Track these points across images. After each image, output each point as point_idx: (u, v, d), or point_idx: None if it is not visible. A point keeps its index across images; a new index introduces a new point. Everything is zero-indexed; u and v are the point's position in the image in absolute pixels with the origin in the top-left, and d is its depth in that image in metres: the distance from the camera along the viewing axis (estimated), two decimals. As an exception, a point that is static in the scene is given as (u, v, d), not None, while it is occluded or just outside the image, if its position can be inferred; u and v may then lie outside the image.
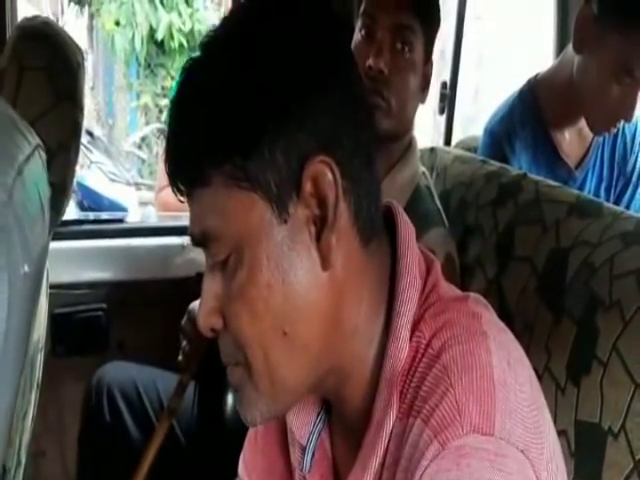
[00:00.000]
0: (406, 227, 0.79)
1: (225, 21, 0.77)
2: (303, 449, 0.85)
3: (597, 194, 1.76)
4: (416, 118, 1.49)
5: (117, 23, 6.49)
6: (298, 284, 0.71)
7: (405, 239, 0.78)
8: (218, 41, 0.75)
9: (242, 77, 0.70)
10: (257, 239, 0.71)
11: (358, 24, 1.44)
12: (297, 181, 0.70)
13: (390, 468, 0.72)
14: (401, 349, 0.72)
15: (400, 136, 1.45)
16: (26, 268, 0.62)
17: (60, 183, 1.11)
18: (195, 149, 0.71)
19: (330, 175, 0.70)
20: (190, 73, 0.74)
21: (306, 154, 0.70)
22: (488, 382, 0.66)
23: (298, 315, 0.72)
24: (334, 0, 1.91)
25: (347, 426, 0.81)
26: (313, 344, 0.74)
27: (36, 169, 0.71)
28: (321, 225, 0.71)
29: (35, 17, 1.25)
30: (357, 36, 1.43)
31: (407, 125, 1.46)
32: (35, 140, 0.74)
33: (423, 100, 1.47)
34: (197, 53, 0.75)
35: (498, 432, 0.64)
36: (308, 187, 0.70)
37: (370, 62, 1.37)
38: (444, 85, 2.02)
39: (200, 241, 0.74)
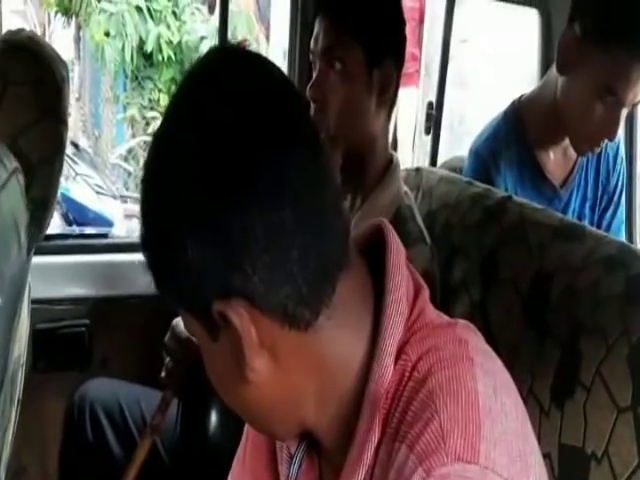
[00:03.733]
0: (396, 249, 0.77)
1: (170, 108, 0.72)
2: (291, 457, 0.85)
3: (582, 213, 1.77)
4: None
5: (107, 34, 6.46)
6: (248, 392, 0.74)
7: (394, 263, 0.76)
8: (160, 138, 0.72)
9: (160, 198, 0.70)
10: (205, 347, 0.75)
11: None
12: (211, 313, 0.69)
13: None
14: (384, 374, 0.72)
15: (364, 149, 1.39)
16: (0, 302, 0.61)
17: (43, 198, 1.10)
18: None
19: (236, 314, 0.68)
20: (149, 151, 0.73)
21: (211, 297, 0.69)
22: (473, 410, 0.66)
23: (270, 412, 0.76)
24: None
25: (331, 447, 0.81)
26: (301, 406, 0.75)
27: (13, 195, 0.70)
28: (241, 353, 0.70)
29: (20, 30, 1.24)
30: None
31: (365, 136, 1.38)
32: (12, 164, 0.72)
33: (382, 103, 1.38)
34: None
35: (482, 461, 0.63)
36: (221, 322, 0.69)
37: (307, 95, 1.33)
38: (430, 106, 2.03)
39: None
